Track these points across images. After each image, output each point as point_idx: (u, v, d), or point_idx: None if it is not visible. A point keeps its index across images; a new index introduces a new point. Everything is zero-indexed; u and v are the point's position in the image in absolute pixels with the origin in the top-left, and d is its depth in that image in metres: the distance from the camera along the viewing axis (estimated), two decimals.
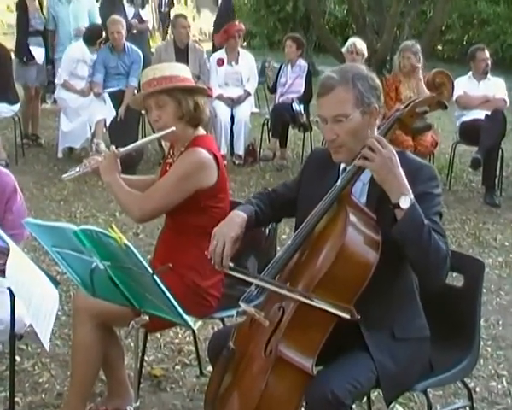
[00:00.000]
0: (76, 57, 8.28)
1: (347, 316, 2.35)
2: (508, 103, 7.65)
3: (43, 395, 3.61)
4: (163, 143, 7.15)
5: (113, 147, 3.26)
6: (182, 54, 8.31)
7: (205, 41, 19.50)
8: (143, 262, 2.28)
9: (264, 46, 20.34)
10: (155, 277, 2.28)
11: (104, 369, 3.35)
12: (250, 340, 2.54)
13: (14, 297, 2.69)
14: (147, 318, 2.54)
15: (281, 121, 8.40)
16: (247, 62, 8.70)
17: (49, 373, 3.80)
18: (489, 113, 7.31)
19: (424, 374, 2.68)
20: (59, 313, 4.21)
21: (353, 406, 2.48)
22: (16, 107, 8.12)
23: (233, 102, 8.45)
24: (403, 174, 2.40)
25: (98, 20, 9.30)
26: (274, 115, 8.48)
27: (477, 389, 3.77)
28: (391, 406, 3.25)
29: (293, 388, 2.39)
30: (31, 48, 8.67)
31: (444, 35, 18.96)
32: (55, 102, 9.25)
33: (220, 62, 8.53)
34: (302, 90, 8.45)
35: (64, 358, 3.90)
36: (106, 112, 8.08)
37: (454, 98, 7.23)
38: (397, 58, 7.70)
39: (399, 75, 7.59)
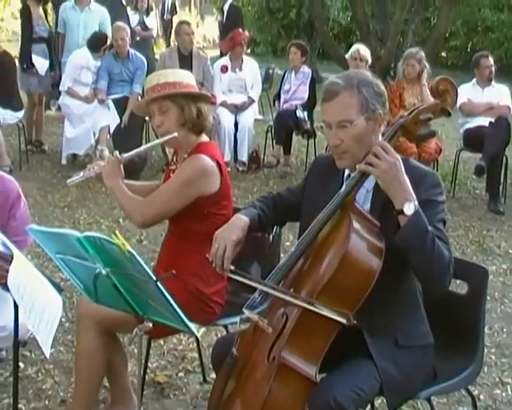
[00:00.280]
0: (80, 64, 8.29)
1: (344, 321, 2.34)
2: None
3: (46, 402, 3.61)
4: (167, 149, 7.19)
5: (117, 152, 3.27)
6: (186, 60, 8.32)
7: (209, 48, 19.57)
8: (147, 269, 2.28)
9: (267, 53, 20.37)
10: (159, 284, 2.28)
11: (107, 376, 3.35)
12: (253, 347, 2.54)
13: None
14: (150, 324, 2.54)
15: (284, 128, 8.40)
16: (251, 69, 8.71)
17: (52, 380, 3.80)
18: (493, 120, 7.31)
19: (428, 382, 2.68)
20: (62, 319, 4.22)
21: None
22: (20, 113, 8.14)
23: (237, 109, 8.46)
24: (407, 181, 2.40)
25: (109, 33, 9.29)
26: (278, 122, 8.48)
27: (481, 397, 3.76)
28: None
29: (296, 395, 2.39)
30: (33, 56, 8.67)
31: (448, 42, 18.97)
32: (59, 108, 9.26)
33: (224, 69, 8.55)
34: (306, 96, 8.46)
35: (67, 364, 3.90)
36: (110, 118, 8.10)
37: (458, 105, 7.24)
38: (401, 65, 7.72)
39: (403, 82, 7.60)
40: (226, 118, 8.33)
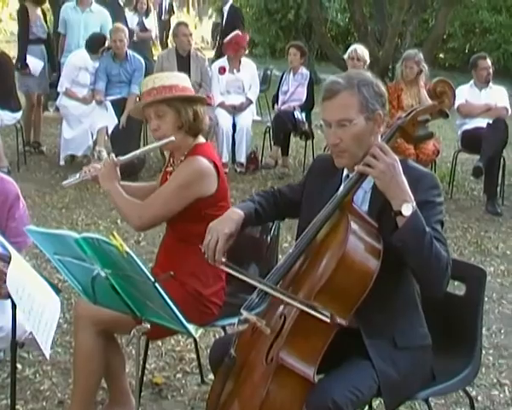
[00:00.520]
0: (78, 65, 8.29)
1: (327, 319, 2.34)
2: (510, 112, 7.66)
3: (44, 403, 3.61)
4: (164, 150, 7.18)
5: (113, 155, 3.28)
6: (184, 62, 8.32)
7: (207, 49, 19.56)
8: (145, 270, 2.28)
9: (265, 54, 20.35)
10: (157, 285, 2.28)
11: (105, 377, 3.35)
12: (251, 348, 2.54)
13: (15, 304, 2.69)
14: (148, 326, 2.54)
15: (282, 129, 8.40)
16: (249, 70, 8.71)
17: (50, 381, 3.80)
18: (491, 121, 7.31)
19: (426, 383, 2.68)
20: (60, 320, 4.21)
21: None
22: (18, 114, 8.13)
23: (235, 110, 8.46)
24: (405, 182, 2.41)
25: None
26: (276, 123, 8.49)
27: (479, 398, 3.77)
28: None
29: (294, 395, 2.39)
30: (28, 57, 8.66)
31: (446, 43, 18.96)
32: (57, 109, 9.26)
33: (222, 70, 8.55)
34: (304, 98, 8.46)
35: (65, 366, 3.90)
36: (108, 120, 8.09)
37: (456, 107, 7.24)
38: (399, 66, 7.72)
39: (401, 83, 7.61)
40: (224, 119, 8.33)
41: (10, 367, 2.90)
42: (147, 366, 3.73)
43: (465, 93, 7.60)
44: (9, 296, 2.66)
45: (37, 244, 2.72)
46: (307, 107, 8.45)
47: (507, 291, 5.29)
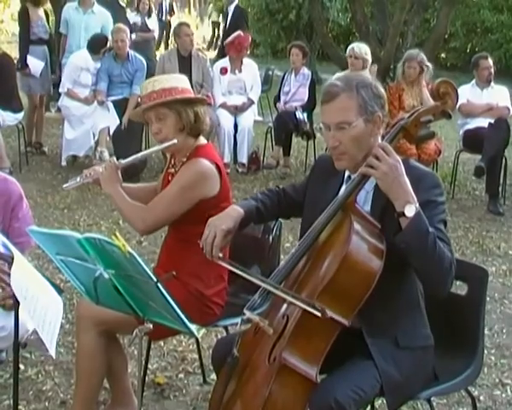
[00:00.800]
0: (79, 65, 8.29)
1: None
2: (511, 112, 7.66)
3: (46, 403, 3.61)
4: (166, 151, 7.18)
5: (114, 158, 3.28)
6: (185, 62, 8.31)
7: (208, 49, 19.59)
8: (147, 270, 2.28)
9: (267, 54, 20.38)
10: (159, 285, 2.28)
11: (108, 377, 3.35)
12: (254, 348, 2.54)
13: (18, 304, 2.69)
14: (150, 326, 2.54)
15: (284, 129, 8.41)
16: (251, 71, 8.71)
17: (52, 381, 3.80)
18: (492, 121, 7.31)
19: (428, 383, 2.68)
20: (62, 321, 4.18)
21: None
22: (20, 115, 8.13)
23: (236, 111, 8.46)
24: (408, 182, 2.40)
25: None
26: (277, 123, 8.49)
27: (481, 398, 3.77)
28: None
29: (296, 396, 2.39)
30: (28, 57, 8.67)
31: (447, 43, 18.96)
32: (58, 110, 9.27)
33: (223, 71, 8.55)
34: (305, 98, 8.47)
35: (67, 366, 3.90)
36: (109, 120, 8.09)
37: (457, 106, 7.23)
38: (400, 66, 7.71)
39: (403, 84, 7.60)
40: (226, 119, 8.33)
41: (13, 367, 2.90)
42: (149, 366, 3.73)
43: (467, 93, 7.60)
44: (15, 308, 2.67)
45: (39, 245, 2.73)
46: (309, 107, 8.45)
47: (509, 291, 5.29)
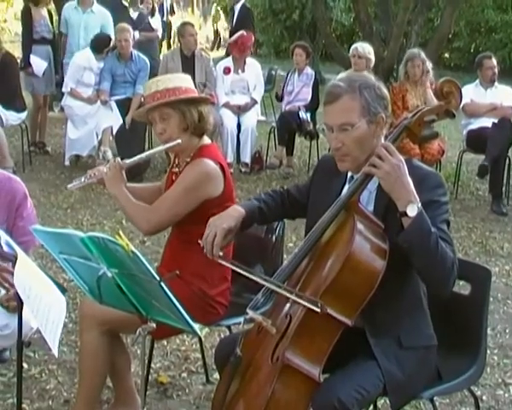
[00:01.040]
0: (83, 65, 8.30)
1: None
2: None
3: (50, 402, 3.62)
4: (169, 151, 7.19)
5: (118, 159, 3.27)
6: (188, 62, 8.32)
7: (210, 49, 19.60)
8: (150, 269, 2.29)
9: (270, 54, 20.39)
10: (162, 284, 2.29)
11: (111, 376, 3.36)
12: (257, 347, 2.55)
13: (21, 303, 2.70)
14: (153, 325, 2.55)
15: (287, 129, 8.42)
16: (254, 70, 8.72)
17: (56, 380, 3.81)
18: (496, 121, 7.31)
19: (431, 382, 2.68)
20: (66, 320, 4.21)
21: None
22: (23, 115, 8.14)
23: (239, 110, 8.47)
24: (410, 182, 2.40)
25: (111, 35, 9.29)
26: (280, 123, 8.51)
27: (484, 398, 3.77)
28: None
29: (299, 395, 2.40)
30: (31, 57, 8.68)
31: (451, 43, 18.94)
32: (62, 109, 9.28)
33: (227, 70, 8.56)
34: (309, 98, 8.48)
35: (71, 365, 3.91)
36: (113, 120, 8.10)
37: (461, 106, 7.23)
38: (403, 67, 7.68)
39: (406, 84, 7.59)
40: (229, 119, 8.34)
41: (16, 366, 2.91)
42: (152, 365, 3.74)
43: (470, 93, 7.58)
44: (18, 308, 2.68)
45: (42, 244, 2.74)
46: (312, 107, 8.46)
47: None
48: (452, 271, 2.43)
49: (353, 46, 8.11)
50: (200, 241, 2.68)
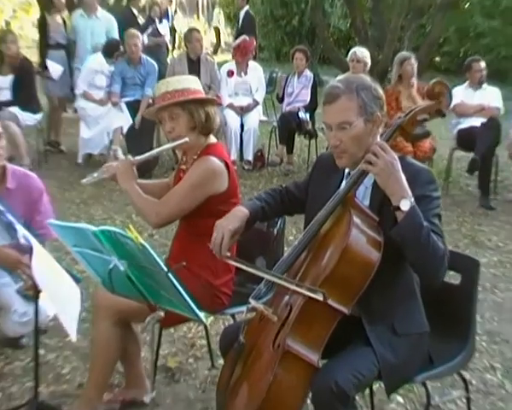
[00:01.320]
0: (95, 68, 8.32)
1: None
2: (501, 111, 7.64)
3: (65, 386, 3.63)
4: (176, 149, 7.19)
5: (130, 156, 3.28)
6: (194, 65, 8.33)
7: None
8: (159, 261, 2.29)
9: (271, 58, 20.38)
10: (169, 275, 2.29)
11: (122, 362, 3.37)
12: (259, 334, 2.55)
13: (37, 292, 2.70)
14: (162, 313, 2.55)
15: (287, 129, 8.41)
16: (256, 73, 8.72)
17: (70, 365, 3.82)
18: (485, 120, 7.30)
19: (423, 367, 2.68)
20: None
21: (356, 397, 2.48)
22: (39, 116, 8.14)
23: (242, 111, 8.47)
24: (404, 178, 2.40)
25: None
26: (281, 123, 8.50)
27: (473, 381, 3.77)
28: (391, 397, 3.26)
29: (299, 379, 2.40)
30: (48, 61, 8.70)
31: (441, 47, 18.91)
32: (75, 111, 9.29)
33: (230, 73, 8.56)
34: (308, 99, 8.47)
35: (84, 351, 3.91)
36: (123, 120, 8.11)
37: (451, 106, 7.21)
38: (396, 71, 7.64)
39: (399, 86, 7.57)
40: (232, 119, 8.35)
41: (33, 352, 2.92)
42: (160, 351, 3.73)
43: (460, 94, 7.59)
44: (35, 296, 2.68)
45: (57, 237, 2.74)
46: (311, 107, 8.46)
47: (499, 281, 5.28)
48: (443, 262, 2.43)
49: (351, 51, 8.09)
50: (209, 244, 2.67)
